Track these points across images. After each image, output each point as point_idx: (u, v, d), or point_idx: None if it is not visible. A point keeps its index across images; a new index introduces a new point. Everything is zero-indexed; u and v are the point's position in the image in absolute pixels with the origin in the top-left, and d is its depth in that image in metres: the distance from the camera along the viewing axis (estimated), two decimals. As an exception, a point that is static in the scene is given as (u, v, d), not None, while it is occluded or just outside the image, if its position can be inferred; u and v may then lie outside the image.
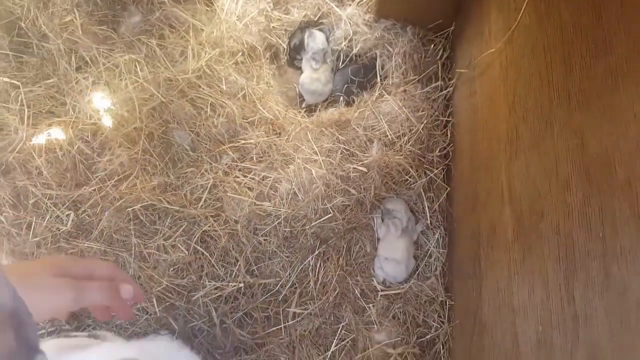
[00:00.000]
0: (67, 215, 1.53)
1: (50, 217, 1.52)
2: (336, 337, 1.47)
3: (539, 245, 0.96)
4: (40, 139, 1.53)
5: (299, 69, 1.75)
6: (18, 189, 1.52)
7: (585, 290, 0.81)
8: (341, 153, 1.49)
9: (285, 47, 1.74)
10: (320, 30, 1.71)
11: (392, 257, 1.45)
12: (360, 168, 1.45)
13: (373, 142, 1.47)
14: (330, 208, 1.44)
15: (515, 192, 1.08)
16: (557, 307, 0.88)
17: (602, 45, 0.79)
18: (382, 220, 1.52)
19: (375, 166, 1.45)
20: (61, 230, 1.51)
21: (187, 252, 1.43)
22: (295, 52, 1.74)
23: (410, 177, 1.51)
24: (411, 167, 1.49)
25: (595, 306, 0.78)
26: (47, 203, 1.52)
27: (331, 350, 1.46)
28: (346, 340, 1.47)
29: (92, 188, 1.52)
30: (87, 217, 1.53)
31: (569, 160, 0.87)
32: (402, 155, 1.48)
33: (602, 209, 0.77)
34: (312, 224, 1.44)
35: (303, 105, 1.72)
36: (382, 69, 1.64)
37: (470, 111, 1.43)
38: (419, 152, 1.51)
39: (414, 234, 1.52)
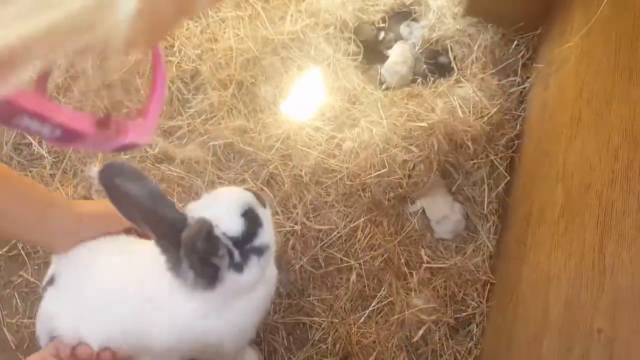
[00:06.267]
0: (156, 143, 1.79)
1: (142, 141, 1.78)
2: (376, 299, 1.61)
3: (581, 215, 1.06)
4: (145, 67, 1.80)
5: (382, 52, 1.94)
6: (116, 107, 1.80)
7: (616, 246, 0.91)
8: (407, 116, 1.65)
9: (376, 30, 1.93)
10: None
11: (442, 215, 1.59)
12: (421, 124, 1.60)
13: (437, 105, 1.61)
14: (386, 160, 1.59)
15: (568, 171, 1.19)
16: (589, 268, 0.98)
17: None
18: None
19: (440, 126, 1.59)
20: (148, 153, 1.77)
21: (254, 186, 1.63)
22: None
23: (474, 150, 1.63)
24: (477, 144, 1.62)
25: (623, 258, 0.88)
26: (141, 128, 1.79)
27: (369, 309, 1.60)
28: (384, 303, 1.60)
29: (183, 122, 1.77)
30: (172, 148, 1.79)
31: (620, 131, 0.98)
32: (470, 125, 1.60)
33: (643, 169, 0.87)
34: (370, 176, 1.60)
35: (383, 87, 1.89)
36: (461, 60, 1.78)
37: (541, 105, 1.54)
38: (486, 133, 1.63)
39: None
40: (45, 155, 1.83)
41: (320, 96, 1.79)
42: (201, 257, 0.91)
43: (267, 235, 1.02)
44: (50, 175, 1.82)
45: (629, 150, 0.94)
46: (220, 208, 0.97)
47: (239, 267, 0.96)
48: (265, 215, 1.06)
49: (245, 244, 0.97)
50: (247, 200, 1.03)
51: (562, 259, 1.10)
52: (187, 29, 1.83)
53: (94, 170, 1.77)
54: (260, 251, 0.99)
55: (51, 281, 1.10)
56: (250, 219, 0.99)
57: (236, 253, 0.95)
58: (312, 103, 1.78)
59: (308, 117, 1.77)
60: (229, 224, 0.96)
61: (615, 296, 0.88)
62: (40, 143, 1.84)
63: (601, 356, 0.87)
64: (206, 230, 0.89)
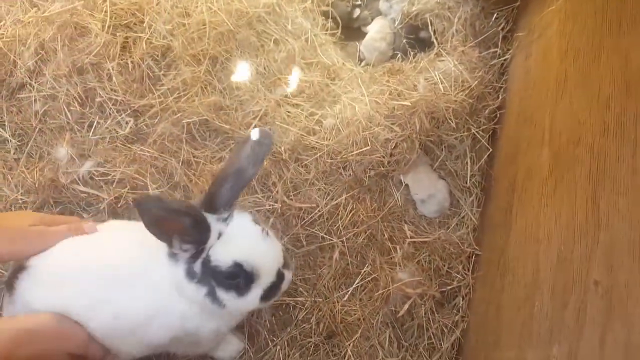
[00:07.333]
0: (127, 122, 1.70)
1: (112, 121, 1.69)
2: (360, 276, 1.56)
3: (571, 170, 1.03)
4: (115, 49, 1.72)
5: (359, 28, 1.90)
6: (87, 90, 1.71)
7: (611, 195, 0.88)
8: (389, 94, 1.61)
9: (350, 7, 1.89)
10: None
11: (427, 194, 1.55)
12: (404, 103, 1.55)
13: (420, 82, 1.57)
14: (369, 137, 1.54)
15: (556, 131, 1.16)
16: (582, 221, 0.95)
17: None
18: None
19: (422, 104, 1.55)
20: (119, 134, 1.68)
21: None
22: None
23: (456, 124, 1.60)
24: (459, 118, 1.58)
25: (619, 205, 0.85)
26: (111, 107, 1.70)
27: (353, 286, 1.55)
28: (368, 279, 1.55)
29: (155, 100, 1.68)
30: (144, 127, 1.70)
31: (611, 81, 0.95)
32: (451, 102, 1.57)
33: (637, 113, 0.84)
34: (351, 153, 1.55)
35: (362, 64, 1.85)
36: (442, 33, 1.75)
37: (523, 74, 1.52)
38: (468, 107, 1.60)
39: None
40: (9, 138, 1.72)
41: (299, 72, 1.73)
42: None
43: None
44: (15, 159, 1.71)
45: (621, 98, 0.91)
46: (265, 259, 1.07)
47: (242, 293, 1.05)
48: (287, 278, 1.15)
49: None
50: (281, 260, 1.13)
51: (552, 218, 1.07)
52: (157, 4, 1.75)
53: (61, 151, 1.69)
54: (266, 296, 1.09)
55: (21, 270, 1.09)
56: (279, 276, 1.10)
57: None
58: (290, 79, 1.72)
59: (286, 93, 1.71)
60: (266, 276, 1.06)
61: (612, 245, 0.84)
62: (2, 126, 1.73)
63: (599, 307, 0.83)
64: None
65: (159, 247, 1.03)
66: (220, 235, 1.02)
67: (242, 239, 1.03)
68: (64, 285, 1.04)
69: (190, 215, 0.96)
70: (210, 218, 1.02)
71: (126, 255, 1.10)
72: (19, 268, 1.11)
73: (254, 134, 1.06)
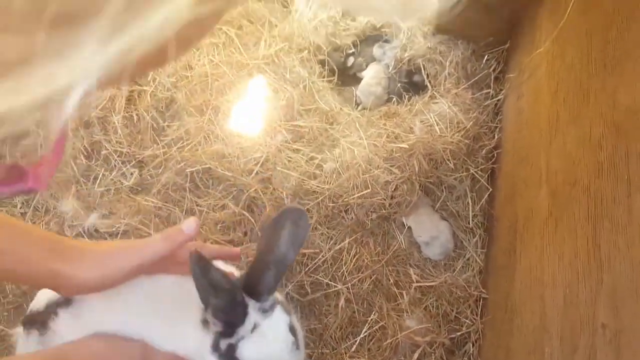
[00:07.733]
0: (132, 173, 1.72)
1: (117, 172, 1.72)
2: (367, 325, 1.53)
3: (570, 210, 1.03)
4: (121, 102, 1.76)
5: (355, 75, 1.95)
6: (93, 143, 1.74)
7: (610, 235, 0.87)
8: (387, 137, 1.63)
9: (344, 57, 1.94)
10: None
11: (430, 236, 1.54)
12: (402, 145, 1.57)
13: (416, 124, 1.59)
14: (369, 180, 1.55)
15: (552, 171, 1.16)
16: (585, 262, 0.94)
17: (638, 13, 0.90)
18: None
19: (420, 146, 1.56)
20: (124, 185, 1.70)
21: (235, 211, 1.57)
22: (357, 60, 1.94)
23: (454, 165, 1.61)
24: (457, 159, 1.60)
25: (619, 245, 0.84)
26: (116, 159, 1.72)
27: (360, 336, 1.51)
28: (375, 328, 1.52)
29: (159, 151, 1.71)
30: (149, 177, 1.72)
31: (601, 122, 0.96)
32: (448, 143, 1.59)
33: (628, 153, 0.85)
34: (352, 197, 1.55)
35: (359, 108, 1.88)
36: (434, 76, 1.79)
37: (516, 114, 1.53)
38: (465, 147, 1.61)
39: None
40: (16, 193, 1.74)
41: (298, 118, 1.76)
42: None
43: None
44: (21, 213, 1.73)
45: (612, 138, 0.91)
46: None
47: None
48: None
49: None
50: None
51: (555, 259, 1.05)
52: (161, 59, 1.80)
53: (67, 205, 1.70)
54: None
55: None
56: None
57: None
58: (290, 125, 1.75)
59: (287, 138, 1.73)
60: None
61: (615, 286, 0.83)
62: (10, 181, 1.76)
63: (607, 352, 0.81)
64: None
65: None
66: (254, 327, 0.94)
67: (271, 346, 0.98)
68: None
69: (229, 295, 0.88)
70: (252, 305, 0.94)
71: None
72: (58, 303, 1.00)
73: (288, 216, 0.98)
